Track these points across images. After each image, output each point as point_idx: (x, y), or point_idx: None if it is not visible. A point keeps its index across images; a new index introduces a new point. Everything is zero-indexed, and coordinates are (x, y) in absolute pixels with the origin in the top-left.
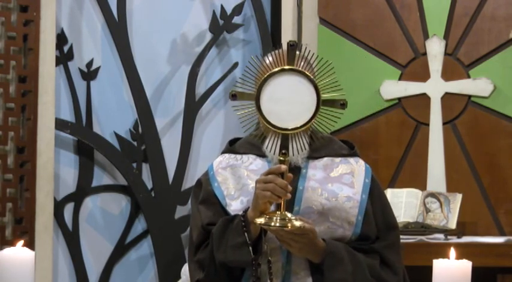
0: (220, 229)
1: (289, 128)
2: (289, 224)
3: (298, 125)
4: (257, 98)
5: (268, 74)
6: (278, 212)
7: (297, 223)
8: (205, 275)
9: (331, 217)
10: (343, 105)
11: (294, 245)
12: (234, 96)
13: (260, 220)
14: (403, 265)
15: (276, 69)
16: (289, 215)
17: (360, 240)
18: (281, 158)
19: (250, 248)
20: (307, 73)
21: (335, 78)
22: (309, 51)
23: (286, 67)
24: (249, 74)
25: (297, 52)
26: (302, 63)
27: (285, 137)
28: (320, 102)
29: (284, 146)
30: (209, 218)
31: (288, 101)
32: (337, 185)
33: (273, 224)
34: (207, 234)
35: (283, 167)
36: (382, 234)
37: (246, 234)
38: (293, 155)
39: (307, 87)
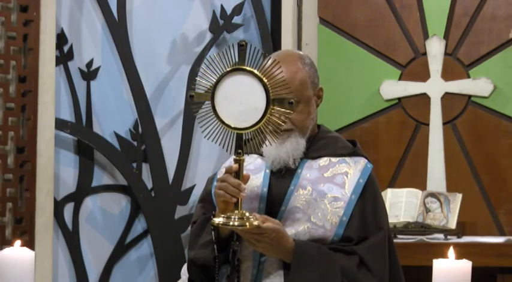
0: (198, 227)
1: (242, 127)
2: (246, 223)
3: (251, 124)
4: (212, 98)
5: (221, 74)
6: (236, 211)
7: (255, 222)
8: (188, 272)
9: (313, 217)
10: (291, 103)
11: (257, 244)
12: (191, 97)
13: (218, 220)
14: (395, 266)
15: (227, 70)
16: (247, 214)
17: (342, 241)
18: (236, 158)
19: (215, 246)
20: (257, 72)
21: (283, 77)
22: (257, 50)
23: (231, 68)
24: (204, 74)
25: (298, 52)
26: (298, 63)
27: (239, 137)
28: (269, 102)
29: (238, 146)
30: (198, 217)
31: (241, 101)
32: (328, 185)
33: (231, 223)
34: None
35: (235, 166)
36: (370, 235)
37: (212, 232)
38: (247, 154)
39: (257, 86)
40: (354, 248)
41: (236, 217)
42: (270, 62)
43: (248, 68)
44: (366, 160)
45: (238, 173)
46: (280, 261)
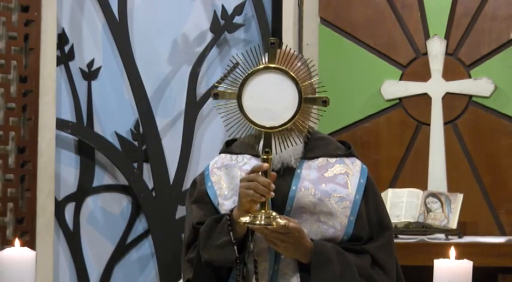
0: (208, 228)
1: (271, 126)
2: (273, 222)
3: (280, 123)
4: (239, 97)
5: (249, 72)
6: (263, 211)
7: (282, 221)
8: (194, 274)
9: (322, 217)
10: (325, 102)
11: (279, 244)
12: (215, 95)
13: (245, 219)
14: (395, 265)
15: (257, 68)
16: (273, 213)
17: (352, 240)
18: (264, 157)
19: (235, 247)
20: (289, 71)
21: (317, 75)
22: (290, 49)
23: (262, 66)
24: (231, 72)
25: (294, 52)
26: (299, 63)
27: (268, 136)
28: (302, 100)
29: (267, 145)
30: (199, 218)
31: (270, 99)
32: (331, 185)
33: (257, 222)
34: (197, 234)
35: (265, 165)
36: (375, 235)
37: (231, 233)
38: (275, 153)
39: (288, 85)
40: (365, 247)
41: (263, 216)
42: (303, 59)
43: (280, 67)
44: (360, 161)
45: (266, 172)
46: (295, 261)
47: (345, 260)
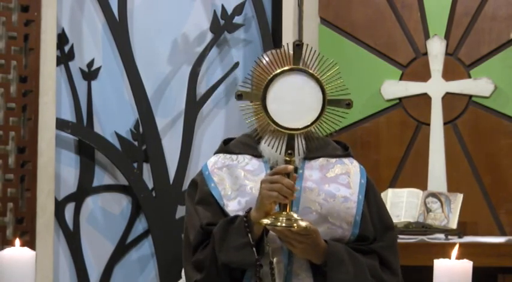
0: (221, 230)
1: (296, 127)
2: (295, 224)
3: (304, 125)
4: (263, 98)
5: (273, 74)
6: (284, 213)
7: (303, 223)
8: (205, 276)
9: (330, 217)
10: (348, 105)
11: (297, 246)
12: (239, 96)
13: (266, 221)
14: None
15: (282, 69)
16: (295, 215)
17: (358, 240)
18: (287, 158)
19: (254, 248)
20: (313, 73)
21: (341, 77)
22: (313, 50)
23: (287, 68)
24: (255, 73)
25: (291, 52)
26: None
27: (291, 137)
28: (326, 102)
29: (290, 146)
30: (208, 218)
31: (294, 101)
32: (334, 185)
33: (279, 224)
34: (206, 235)
35: (290, 167)
36: (378, 235)
37: (249, 235)
38: (298, 155)
39: (312, 87)
40: (372, 247)
41: (284, 218)
42: (327, 62)
43: (305, 69)
44: (358, 162)
45: (288, 174)
46: (308, 262)
47: (356, 260)
